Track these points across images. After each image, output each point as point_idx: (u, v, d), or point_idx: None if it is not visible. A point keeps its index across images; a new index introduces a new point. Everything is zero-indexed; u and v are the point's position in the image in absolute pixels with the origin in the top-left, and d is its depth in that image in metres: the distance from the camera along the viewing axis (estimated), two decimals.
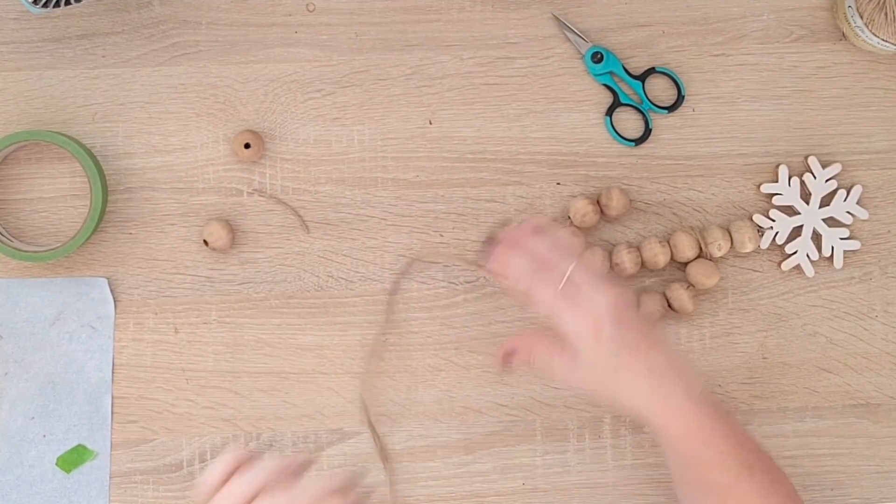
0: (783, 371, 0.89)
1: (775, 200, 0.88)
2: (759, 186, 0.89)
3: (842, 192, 0.89)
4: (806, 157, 0.89)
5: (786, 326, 0.89)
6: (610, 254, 0.87)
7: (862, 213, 0.88)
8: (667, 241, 0.87)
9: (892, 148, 0.90)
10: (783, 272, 0.89)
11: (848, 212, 0.88)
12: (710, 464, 0.73)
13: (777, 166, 0.88)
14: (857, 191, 0.88)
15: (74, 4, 0.83)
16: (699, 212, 0.89)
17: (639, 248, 0.87)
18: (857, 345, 0.89)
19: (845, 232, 0.88)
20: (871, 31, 0.85)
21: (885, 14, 0.84)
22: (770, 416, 0.89)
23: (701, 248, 0.87)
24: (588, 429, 0.88)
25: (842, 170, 0.89)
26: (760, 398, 0.88)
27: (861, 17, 0.85)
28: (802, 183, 0.88)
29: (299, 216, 0.87)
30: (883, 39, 0.85)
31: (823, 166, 0.88)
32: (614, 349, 0.72)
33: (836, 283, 0.89)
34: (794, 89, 0.89)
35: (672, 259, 0.87)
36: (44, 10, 0.81)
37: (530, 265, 0.74)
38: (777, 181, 0.88)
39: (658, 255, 0.86)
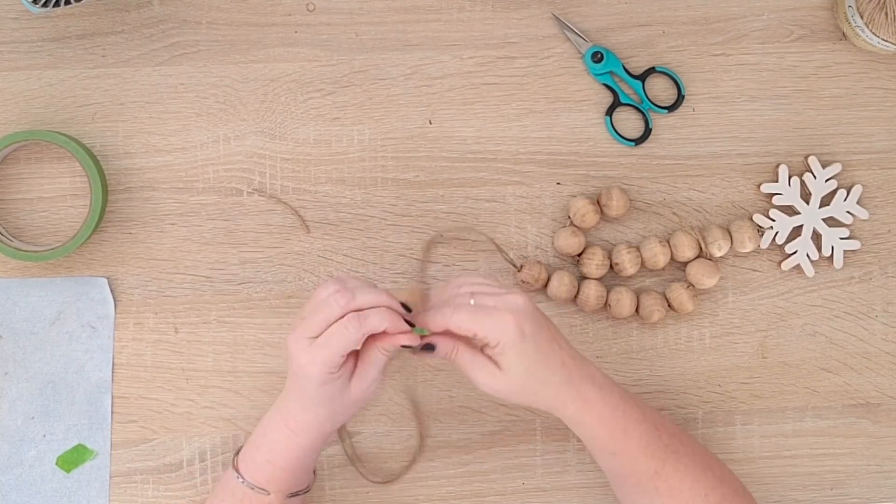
0: (783, 371, 0.89)
1: (775, 200, 0.88)
2: (759, 186, 0.89)
3: (842, 192, 0.88)
4: (806, 157, 0.89)
5: (786, 326, 0.89)
6: (610, 254, 0.87)
7: (862, 213, 0.88)
8: (667, 240, 0.87)
9: (892, 148, 0.90)
10: (783, 272, 0.89)
11: (848, 211, 0.88)
12: (634, 450, 0.75)
13: (777, 166, 0.88)
14: (857, 190, 0.88)
15: (74, 4, 0.83)
16: (699, 212, 0.89)
17: (638, 248, 0.87)
18: (857, 345, 0.89)
19: (845, 232, 0.88)
20: (871, 30, 0.85)
21: (886, 14, 0.84)
22: (770, 416, 0.89)
23: (701, 248, 0.87)
24: None
25: (842, 170, 0.89)
26: (760, 398, 0.88)
27: (861, 17, 0.85)
28: (802, 183, 0.88)
29: (299, 216, 0.87)
30: (883, 39, 0.85)
31: (823, 166, 0.88)
32: (536, 343, 0.72)
33: (836, 283, 0.89)
34: (794, 89, 0.89)
35: (672, 259, 0.87)
36: (44, 9, 0.81)
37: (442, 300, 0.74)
38: (777, 181, 0.88)
39: (658, 255, 0.86)
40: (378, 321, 0.71)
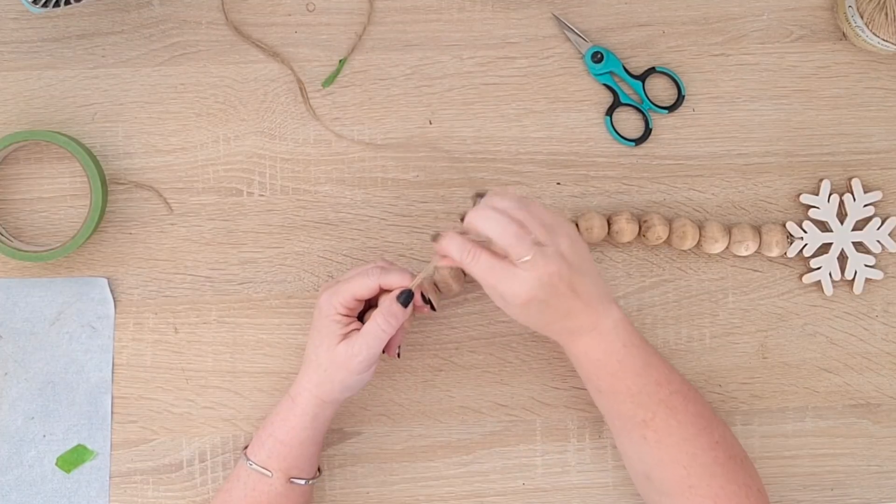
0: (783, 371, 0.89)
1: (811, 213, 0.88)
2: (798, 195, 0.88)
3: (877, 220, 0.88)
4: (850, 180, 0.88)
5: (786, 326, 0.89)
6: (609, 220, 0.87)
7: (892, 245, 0.88)
8: (698, 226, 0.87)
9: (892, 148, 0.90)
10: (783, 273, 0.89)
11: (878, 241, 0.88)
12: (621, 395, 0.76)
13: (820, 180, 0.88)
14: (892, 222, 0.88)
15: (74, 4, 0.83)
16: (699, 212, 0.89)
17: (670, 222, 0.87)
18: (857, 345, 0.89)
19: (871, 259, 0.88)
20: (871, 30, 0.85)
21: (886, 14, 0.84)
22: (770, 416, 0.89)
23: (728, 242, 0.87)
24: (588, 429, 0.88)
25: (881, 198, 0.89)
26: (760, 398, 0.88)
27: (861, 17, 0.85)
28: (841, 202, 0.88)
29: (164, 199, 0.86)
30: (883, 39, 0.85)
31: (835, 184, 0.88)
32: (547, 302, 0.73)
33: (837, 283, 0.89)
34: (794, 89, 0.89)
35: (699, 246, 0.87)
36: (44, 10, 0.81)
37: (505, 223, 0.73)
38: (818, 194, 0.88)
39: (688, 234, 0.86)
40: (398, 278, 0.78)
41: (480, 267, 0.73)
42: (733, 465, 0.76)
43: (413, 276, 0.78)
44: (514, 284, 0.72)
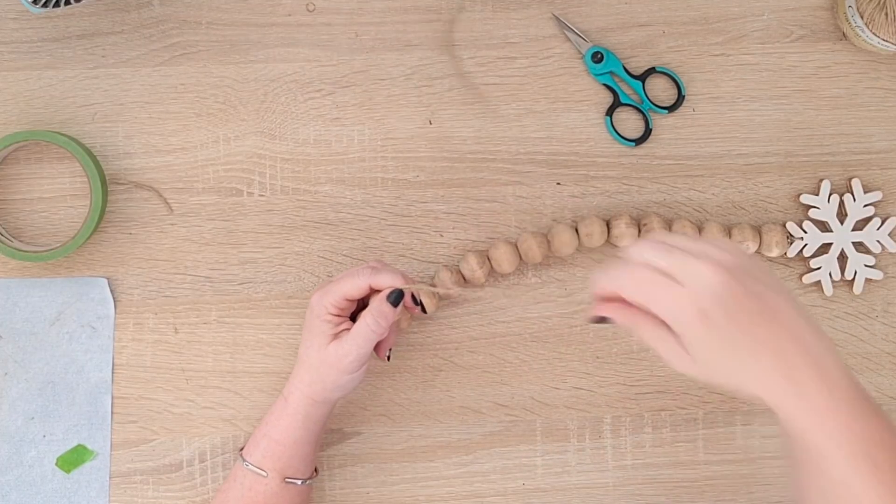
0: None
1: (811, 213, 0.88)
2: (798, 196, 0.88)
3: (877, 220, 0.88)
4: (850, 180, 0.88)
5: None
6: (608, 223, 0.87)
7: (891, 246, 0.88)
8: (698, 228, 0.87)
9: (892, 148, 0.90)
10: (783, 273, 0.89)
11: (878, 241, 0.88)
12: (855, 485, 0.59)
13: (820, 181, 0.88)
14: (892, 222, 0.88)
15: (74, 4, 0.83)
16: (699, 212, 0.89)
17: (671, 224, 0.86)
18: (857, 345, 0.89)
19: (871, 260, 0.88)
20: (871, 30, 0.85)
21: (886, 14, 0.84)
22: (770, 416, 0.87)
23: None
24: (588, 429, 0.88)
25: (882, 198, 0.89)
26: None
27: (861, 17, 0.85)
28: (841, 202, 0.88)
29: (164, 199, 0.86)
30: (883, 39, 0.85)
31: (835, 184, 0.88)
32: (727, 327, 0.59)
33: (837, 283, 0.89)
34: (794, 89, 0.89)
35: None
36: (44, 10, 0.81)
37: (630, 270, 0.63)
38: (818, 194, 0.88)
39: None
40: (389, 278, 0.77)
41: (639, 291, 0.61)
42: None
43: (404, 276, 0.78)
44: (674, 295, 0.60)
